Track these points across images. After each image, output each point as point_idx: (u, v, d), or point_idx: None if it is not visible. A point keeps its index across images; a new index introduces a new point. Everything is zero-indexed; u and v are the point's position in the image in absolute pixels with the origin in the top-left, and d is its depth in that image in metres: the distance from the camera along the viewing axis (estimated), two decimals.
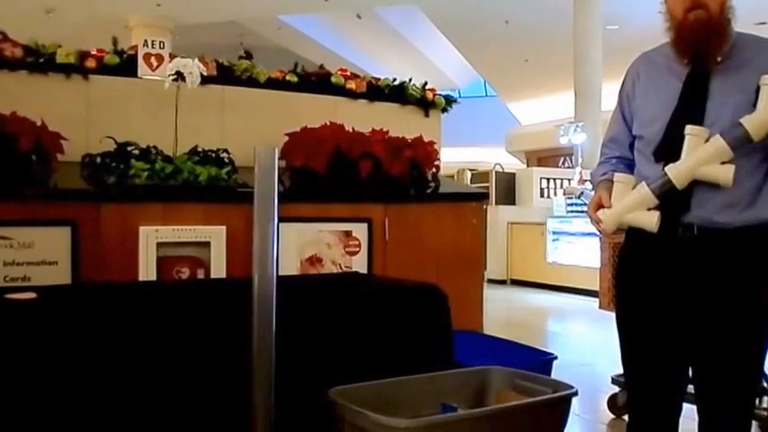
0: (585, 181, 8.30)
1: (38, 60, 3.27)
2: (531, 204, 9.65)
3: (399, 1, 10.58)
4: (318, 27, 11.68)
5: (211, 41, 9.64)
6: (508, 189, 9.75)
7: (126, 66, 3.41)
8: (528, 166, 15.54)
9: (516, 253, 9.31)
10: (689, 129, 1.67)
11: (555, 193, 9.70)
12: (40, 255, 2.77)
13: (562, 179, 9.88)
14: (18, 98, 3.09)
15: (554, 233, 8.65)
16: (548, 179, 9.94)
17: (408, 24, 12.76)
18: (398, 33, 12.91)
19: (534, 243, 8.87)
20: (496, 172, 9.81)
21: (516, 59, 12.17)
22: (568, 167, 12.64)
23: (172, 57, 3.32)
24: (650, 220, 1.68)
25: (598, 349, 5.14)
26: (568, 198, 8.82)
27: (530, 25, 10.70)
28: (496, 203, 9.44)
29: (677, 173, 1.67)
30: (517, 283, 9.28)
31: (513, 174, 10.30)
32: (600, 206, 1.79)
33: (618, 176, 1.77)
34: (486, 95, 18.09)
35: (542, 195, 9.80)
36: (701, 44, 1.72)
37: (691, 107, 1.74)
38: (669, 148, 1.72)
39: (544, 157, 16.02)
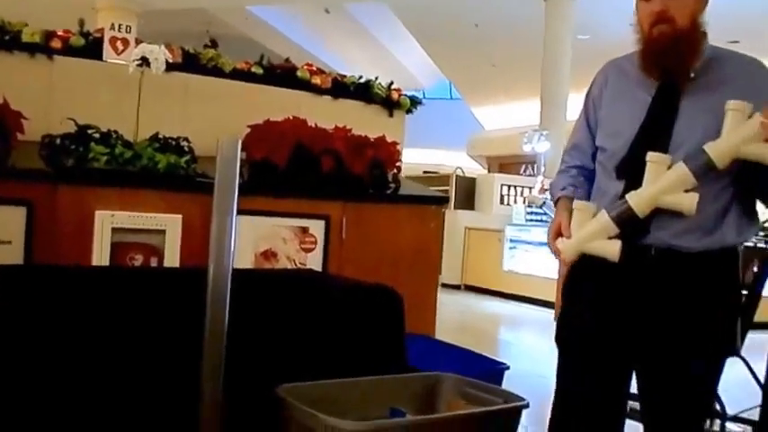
0: (546, 190, 8.49)
1: (3, 38, 3.29)
2: (491, 211, 9.84)
3: None
4: (286, 19, 11.71)
5: (178, 28, 9.59)
6: (468, 194, 9.93)
7: (91, 48, 3.45)
8: (489, 171, 15.77)
9: (472, 259, 9.48)
10: (650, 156, 1.63)
11: (515, 201, 9.91)
12: None
13: (523, 187, 10.11)
14: None
15: (512, 241, 8.84)
16: (509, 186, 10.16)
17: (376, 22, 12.87)
18: (366, 30, 13.02)
19: (491, 250, 9.05)
20: (457, 176, 9.98)
21: (483, 63, 12.36)
22: (530, 175, 12.88)
23: (138, 42, 3.36)
24: (613, 250, 1.64)
25: (551, 360, 5.29)
26: (529, 207, 9.02)
27: (499, 30, 10.89)
28: (455, 208, 9.60)
29: (639, 201, 1.63)
30: (472, 289, 9.45)
31: (474, 179, 10.48)
32: (559, 234, 1.76)
33: (577, 204, 1.75)
34: (451, 98, 18.29)
35: (502, 202, 10.01)
36: (666, 59, 1.68)
37: (658, 125, 1.70)
38: (632, 167, 1.68)
39: (506, 164, 16.28)
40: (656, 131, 1.70)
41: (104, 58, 3.43)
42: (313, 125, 3.63)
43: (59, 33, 3.45)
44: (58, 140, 3.10)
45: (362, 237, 3.58)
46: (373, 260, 3.55)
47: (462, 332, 6.29)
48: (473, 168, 15.22)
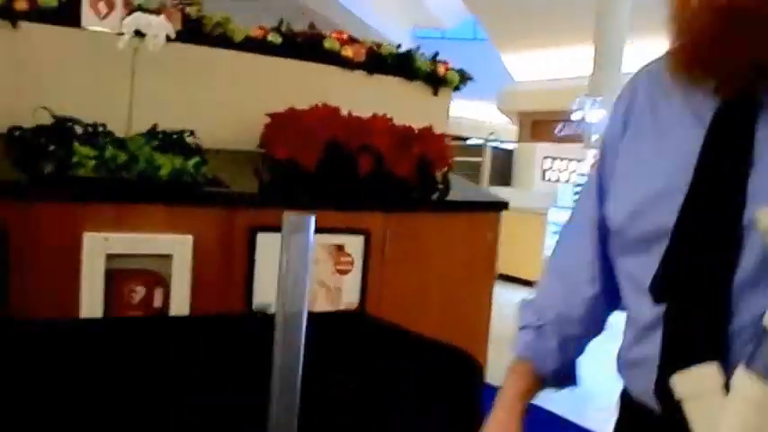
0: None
1: None
2: (531, 188, 9.66)
3: None
4: None
5: None
6: (503, 168, 9.73)
7: (66, 10, 3.21)
8: (520, 129, 15.57)
9: (509, 244, 9.34)
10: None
11: (560, 177, 9.72)
12: None
13: (570, 159, 9.87)
14: None
15: (557, 225, 8.70)
16: (552, 158, 9.93)
17: None
18: None
19: (531, 235, 8.92)
20: (492, 147, 9.77)
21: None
22: (564, 136, 12.67)
23: (128, 6, 3.15)
24: None
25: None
26: (577, 186, 8.86)
27: None
28: (490, 184, 9.42)
29: None
30: (507, 278, 9.33)
31: (511, 151, 10.26)
32: None
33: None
34: (476, 38, 17.96)
35: (544, 178, 9.81)
36: (736, 51, 1.05)
37: (719, 182, 1.07)
38: (679, 275, 1.09)
39: (540, 121, 16.06)
40: (714, 196, 1.08)
41: (83, 25, 3.20)
42: (346, 114, 3.44)
43: None
44: (30, 136, 2.90)
45: (408, 254, 3.42)
46: (420, 282, 3.42)
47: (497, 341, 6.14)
48: (503, 125, 14.99)
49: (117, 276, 2.79)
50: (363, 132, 3.35)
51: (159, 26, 2.97)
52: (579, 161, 9.41)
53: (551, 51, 14.39)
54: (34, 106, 2.93)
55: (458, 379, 2.21)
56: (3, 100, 3.02)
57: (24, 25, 3.16)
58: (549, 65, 14.60)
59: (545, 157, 9.88)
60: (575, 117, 9.53)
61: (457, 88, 4.18)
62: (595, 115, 9.37)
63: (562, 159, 9.90)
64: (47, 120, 2.94)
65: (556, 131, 15.00)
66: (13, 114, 2.97)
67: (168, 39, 3.14)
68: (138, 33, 2.99)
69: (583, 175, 8.89)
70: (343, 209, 3.27)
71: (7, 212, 2.65)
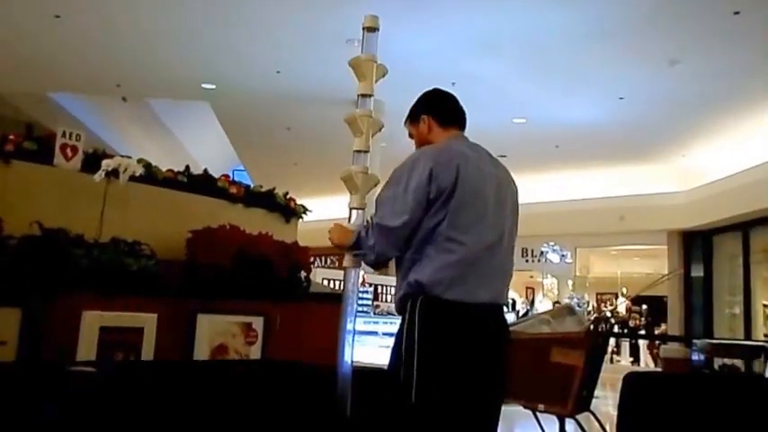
0: None
1: None
2: None
3: (194, 97, 11.52)
4: (78, 104, 12.11)
5: None
6: None
7: (43, 153, 3.99)
8: None
9: None
10: None
11: None
12: None
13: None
14: None
15: None
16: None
17: (170, 113, 13.69)
18: (159, 121, 13.72)
19: None
20: None
21: (286, 162, 13.58)
22: None
23: (105, 153, 4.02)
24: None
25: None
26: None
27: (308, 135, 12.22)
28: None
29: None
30: None
31: None
32: None
33: None
34: None
35: None
36: None
37: None
38: None
39: None
40: None
41: (55, 164, 4.01)
42: (244, 231, 4.45)
43: (11, 137, 3.95)
44: (34, 244, 3.63)
45: (290, 329, 4.40)
46: (298, 347, 4.35)
47: None
48: None
49: (105, 343, 3.55)
50: (259, 244, 4.38)
51: (132, 164, 3.87)
52: None
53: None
54: (22, 221, 3.68)
55: None
56: None
57: (13, 162, 3.90)
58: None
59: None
60: None
61: (301, 217, 5.30)
62: None
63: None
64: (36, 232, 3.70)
65: None
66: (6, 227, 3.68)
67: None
68: (114, 171, 3.87)
69: None
70: (249, 297, 4.22)
71: (30, 296, 3.38)
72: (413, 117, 2.96)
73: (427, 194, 2.56)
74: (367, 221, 2.79)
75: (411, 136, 2.99)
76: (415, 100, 3.02)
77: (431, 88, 3.05)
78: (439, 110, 2.91)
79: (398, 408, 2.48)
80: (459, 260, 2.56)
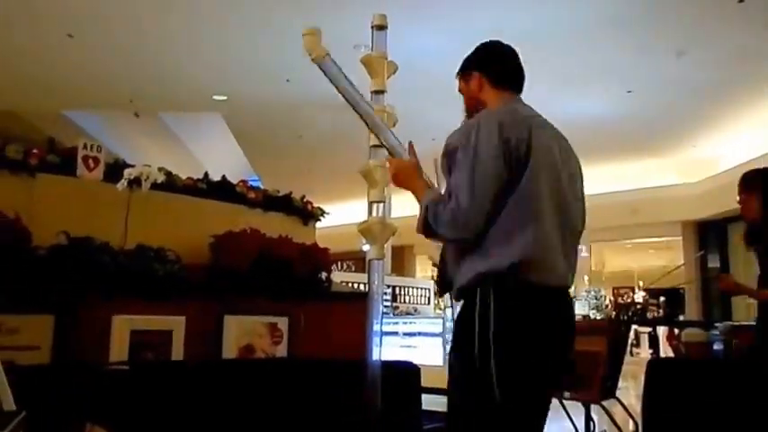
0: None
1: None
2: None
3: (206, 108, 11.63)
4: (93, 121, 12.25)
5: None
6: None
7: (66, 165, 4.07)
8: None
9: None
10: None
11: None
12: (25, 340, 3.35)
13: None
14: None
15: None
16: None
17: (182, 126, 13.79)
18: (172, 133, 13.83)
19: None
20: None
21: (299, 169, 13.68)
22: None
23: (126, 163, 4.10)
24: None
25: None
26: None
27: (320, 142, 12.30)
28: None
29: None
30: None
31: None
32: None
33: None
34: None
35: None
36: None
37: None
38: None
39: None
40: None
41: (78, 175, 4.09)
42: (264, 235, 4.52)
43: (35, 151, 4.03)
44: (61, 252, 3.71)
45: (314, 328, 4.46)
46: (325, 346, 4.41)
47: None
48: None
49: (136, 346, 3.62)
50: (280, 247, 4.44)
51: (153, 172, 3.94)
52: None
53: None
54: (49, 231, 3.75)
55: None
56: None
57: (38, 175, 3.98)
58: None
59: None
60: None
61: (318, 219, 5.36)
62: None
63: None
64: (63, 241, 3.77)
65: None
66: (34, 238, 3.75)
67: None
68: (136, 180, 3.94)
69: None
70: (273, 298, 4.28)
71: (60, 302, 3.46)
72: (464, 70, 2.65)
73: (503, 164, 2.25)
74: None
75: (460, 91, 2.67)
76: (466, 57, 2.73)
77: (489, 40, 2.73)
78: (494, 68, 2.60)
79: (482, 405, 2.20)
80: (537, 240, 2.25)
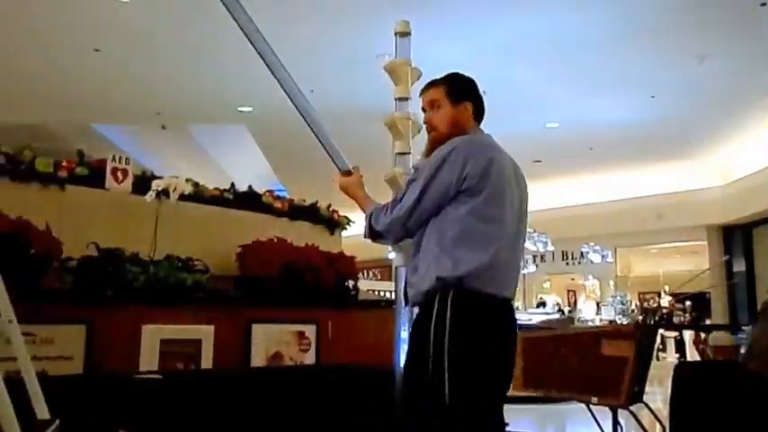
0: None
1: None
2: None
3: (231, 120, 11.71)
4: (121, 134, 12.39)
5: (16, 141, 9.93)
6: None
7: (95, 177, 4.10)
8: None
9: None
10: None
11: None
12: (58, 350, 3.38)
13: None
14: None
15: None
16: None
17: (208, 137, 13.89)
18: (198, 145, 13.94)
19: None
20: None
21: (324, 178, 13.66)
22: None
23: (154, 175, 4.13)
24: None
25: None
26: None
27: (345, 151, 12.29)
28: None
29: None
30: None
31: None
32: None
33: None
34: None
35: None
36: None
37: None
38: None
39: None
40: None
41: (107, 187, 4.12)
42: (291, 243, 4.53)
43: (64, 164, 4.08)
44: (92, 263, 3.74)
45: (341, 336, 4.46)
46: (351, 353, 4.40)
47: None
48: None
49: (166, 355, 3.64)
50: (306, 256, 4.44)
51: (181, 183, 3.97)
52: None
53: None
54: (80, 243, 3.78)
55: None
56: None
57: (68, 187, 4.02)
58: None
59: None
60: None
61: (345, 228, 5.36)
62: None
63: None
64: (93, 252, 3.80)
65: None
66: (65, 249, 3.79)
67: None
68: (164, 191, 3.97)
69: None
70: (299, 306, 4.29)
71: (92, 313, 3.48)
72: (455, 94, 2.71)
73: (458, 185, 2.45)
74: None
75: (432, 104, 2.71)
76: (453, 74, 2.79)
77: (462, 73, 2.82)
78: (479, 104, 2.76)
79: (430, 408, 2.35)
80: (495, 254, 2.43)
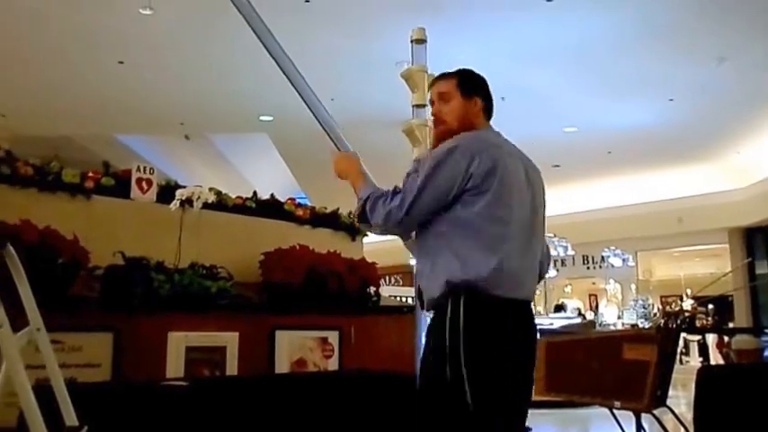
0: None
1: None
2: None
3: (253, 129, 11.78)
4: (145, 144, 12.50)
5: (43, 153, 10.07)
6: None
7: (120, 188, 4.15)
8: None
9: None
10: None
11: None
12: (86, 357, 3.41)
13: None
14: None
15: None
16: None
17: (230, 146, 13.99)
18: (220, 154, 14.05)
19: None
20: None
21: (345, 185, 13.69)
22: None
23: (177, 184, 4.16)
24: None
25: None
26: None
27: (365, 158, 12.31)
28: None
29: None
30: None
31: None
32: None
33: None
34: None
35: None
36: None
37: None
38: None
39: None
40: None
41: (132, 197, 4.16)
42: (313, 250, 4.54)
43: (90, 174, 4.12)
44: (118, 272, 3.77)
45: (364, 341, 4.46)
46: (374, 359, 4.40)
47: None
48: None
49: (192, 362, 3.66)
50: (329, 262, 4.45)
51: (204, 192, 3.99)
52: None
53: None
54: (106, 252, 3.82)
55: None
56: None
57: (94, 197, 4.06)
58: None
59: None
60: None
61: (366, 235, 5.36)
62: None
63: None
64: (119, 261, 3.83)
65: None
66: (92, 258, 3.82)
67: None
68: (188, 201, 4.00)
69: None
70: (322, 312, 4.30)
71: (119, 321, 3.51)
72: (466, 87, 2.60)
73: (462, 184, 2.34)
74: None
75: (442, 96, 2.59)
76: (465, 69, 2.68)
77: (474, 70, 2.71)
78: (489, 102, 2.64)
79: (453, 415, 2.25)
80: (507, 256, 2.33)
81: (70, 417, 2.17)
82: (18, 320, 2.01)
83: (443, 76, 2.65)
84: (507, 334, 2.33)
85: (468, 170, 2.32)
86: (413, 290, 3.14)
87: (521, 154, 2.59)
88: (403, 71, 3.26)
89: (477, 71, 2.68)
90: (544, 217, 2.61)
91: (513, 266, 2.34)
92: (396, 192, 2.41)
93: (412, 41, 3.28)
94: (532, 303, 2.58)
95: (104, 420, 2.48)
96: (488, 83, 2.67)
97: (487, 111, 2.62)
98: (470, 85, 2.61)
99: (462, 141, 2.40)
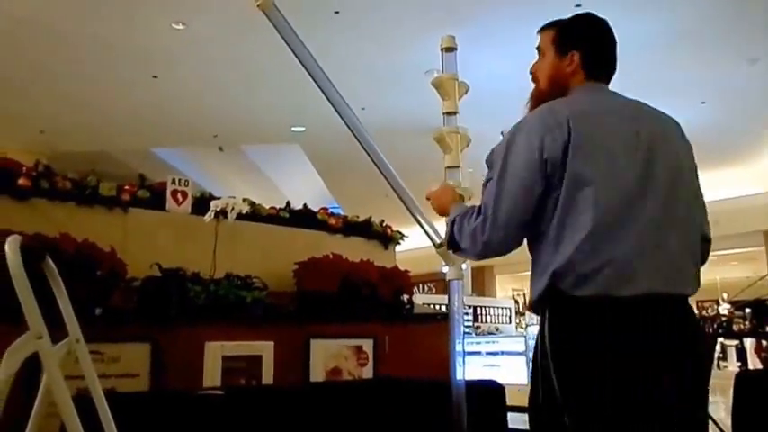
0: None
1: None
2: None
3: (285, 140, 11.86)
4: (180, 157, 12.66)
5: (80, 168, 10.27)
6: None
7: (155, 200, 4.19)
8: None
9: None
10: None
11: None
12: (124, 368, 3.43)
13: None
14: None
15: None
16: None
17: (263, 158, 14.09)
18: (254, 165, 14.16)
19: None
20: None
21: (377, 194, 13.74)
22: None
23: (212, 196, 4.18)
24: None
25: None
26: None
27: (397, 167, 12.34)
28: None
29: None
30: None
31: None
32: None
33: None
34: None
35: None
36: None
37: None
38: None
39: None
40: None
41: (167, 209, 4.20)
42: (346, 259, 4.54)
43: (126, 187, 4.16)
44: (155, 283, 3.80)
45: (398, 350, 4.44)
46: (409, 367, 4.38)
47: None
48: None
49: (228, 371, 3.67)
50: (362, 271, 4.45)
51: (238, 203, 4.01)
52: None
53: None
54: (143, 263, 3.85)
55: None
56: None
57: (131, 209, 4.10)
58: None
59: None
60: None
61: (398, 243, 5.35)
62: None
63: None
64: (156, 273, 3.86)
65: None
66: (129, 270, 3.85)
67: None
68: (222, 212, 4.02)
69: None
70: (357, 320, 4.29)
71: (156, 331, 3.53)
72: (563, 43, 2.22)
73: (542, 173, 1.94)
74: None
75: (539, 51, 2.29)
76: (573, 17, 2.30)
77: (588, 13, 2.28)
78: (594, 51, 2.22)
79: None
80: (590, 247, 1.86)
81: (110, 426, 2.18)
82: (58, 332, 2.03)
83: (545, 27, 2.30)
84: (609, 344, 1.80)
85: (543, 154, 1.93)
86: (445, 297, 3.09)
87: (638, 109, 2.28)
88: (433, 79, 3.24)
89: (590, 15, 2.27)
90: (684, 180, 2.20)
91: (623, 255, 1.88)
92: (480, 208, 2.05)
93: (442, 50, 3.25)
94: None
95: (143, 429, 2.49)
96: (601, 29, 2.26)
97: (590, 62, 2.19)
98: (569, 39, 2.21)
99: (522, 125, 2.05)
